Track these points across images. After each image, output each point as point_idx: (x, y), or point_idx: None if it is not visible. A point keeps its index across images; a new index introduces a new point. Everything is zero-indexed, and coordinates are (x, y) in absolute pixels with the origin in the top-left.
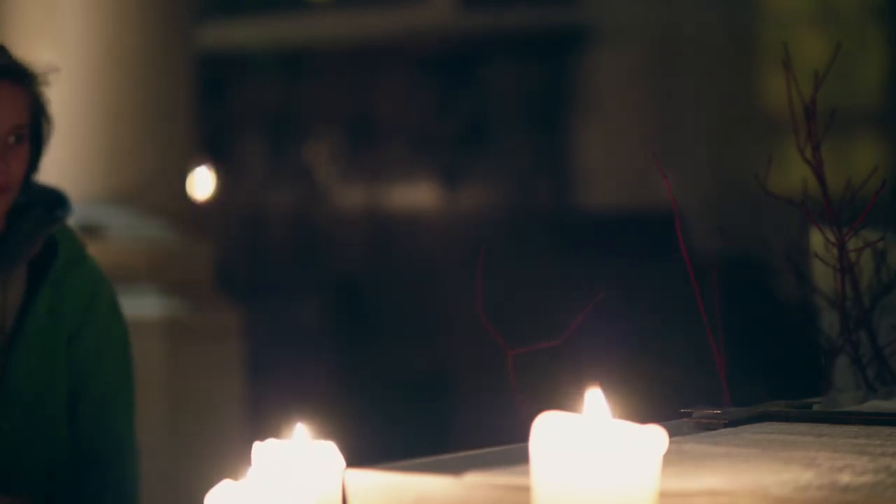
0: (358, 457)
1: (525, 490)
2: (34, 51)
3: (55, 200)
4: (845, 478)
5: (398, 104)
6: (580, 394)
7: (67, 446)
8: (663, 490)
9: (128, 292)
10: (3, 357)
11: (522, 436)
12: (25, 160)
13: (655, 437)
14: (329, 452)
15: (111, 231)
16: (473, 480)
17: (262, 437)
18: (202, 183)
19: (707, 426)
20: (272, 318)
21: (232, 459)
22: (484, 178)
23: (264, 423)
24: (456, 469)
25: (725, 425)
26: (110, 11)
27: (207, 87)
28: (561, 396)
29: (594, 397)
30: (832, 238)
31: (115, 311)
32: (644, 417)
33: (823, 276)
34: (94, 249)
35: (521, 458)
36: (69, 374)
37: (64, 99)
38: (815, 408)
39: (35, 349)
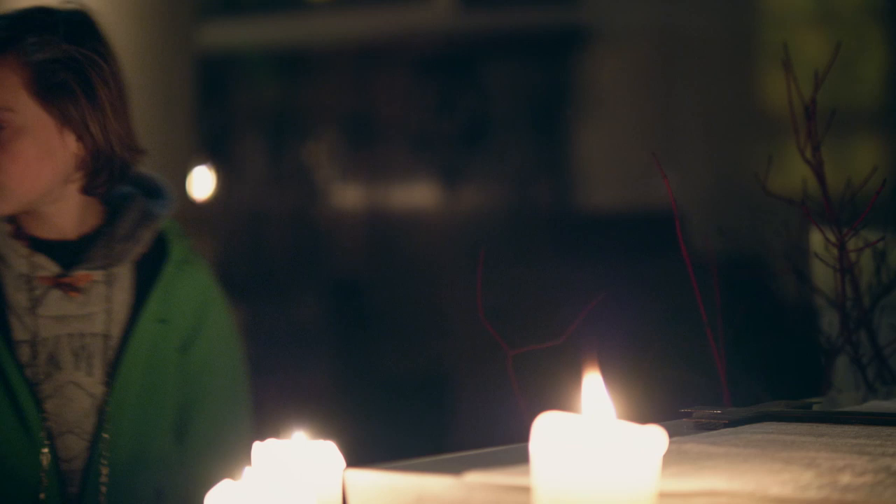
0: (358, 457)
1: (525, 490)
2: None
3: (156, 190)
4: (845, 478)
5: (398, 104)
6: (580, 394)
7: (177, 466)
8: (663, 490)
9: None
10: (109, 367)
11: (522, 436)
12: (22, 151)
13: (655, 437)
14: (329, 452)
15: None
16: (473, 480)
17: (261, 437)
18: (202, 183)
19: (707, 426)
20: (272, 318)
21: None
22: (484, 178)
23: (264, 423)
24: (456, 469)
25: (725, 425)
26: (110, 12)
27: (207, 87)
28: (561, 396)
29: (593, 382)
30: (832, 238)
31: (227, 320)
32: (644, 417)
33: (823, 276)
34: None
35: (521, 458)
36: (180, 389)
37: None
38: (815, 408)
39: (143, 359)
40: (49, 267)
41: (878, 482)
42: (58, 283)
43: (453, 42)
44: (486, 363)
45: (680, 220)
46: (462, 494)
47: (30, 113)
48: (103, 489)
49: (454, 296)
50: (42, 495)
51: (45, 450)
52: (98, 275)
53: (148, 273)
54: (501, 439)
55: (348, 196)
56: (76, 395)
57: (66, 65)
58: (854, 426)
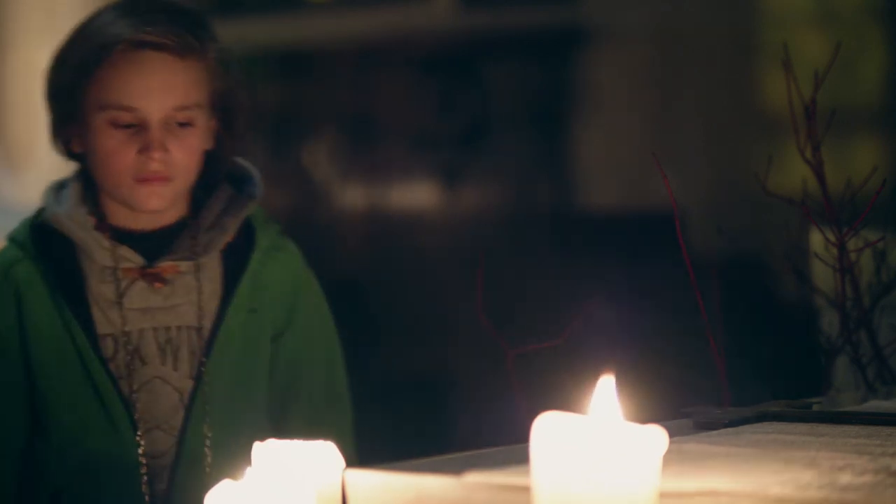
0: (358, 457)
1: (525, 490)
2: (34, 51)
3: (241, 177)
4: (845, 478)
5: (398, 104)
6: (581, 393)
7: None
8: (663, 490)
9: None
10: (199, 361)
11: (522, 436)
12: (194, 146)
13: (655, 437)
14: (329, 452)
15: None
16: (473, 480)
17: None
18: None
19: (707, 426)
20: None
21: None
22: (484, 178)
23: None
24: (456, 469)
25: (725, 425)
26: None
27: None
28: (561, 396)
29: (606, 386)
30: (832, 238)
31: (323, 306)
32: (644, 417)
33: (823, 276)
34: None
35: (521, 458)
36: (275, 379)
37: None
38: (815, 408)
39: (233, 351)
40: (133, 258)
41: (878, 482)
42: (143, 274)
43: (453, 42)
44: (486, 363)
45: (680, 220)
46: (462, 494)
47: (207, 110)
48: (193, 483)
49: (454, 296)
50: (139, 489)
51: (136, 446)
52: (185, 265)
53: (236, 262)
54: (501, 439)
55: (348, 196)
56: (163, 391)
57: (226, 64)
58: (854, 426)
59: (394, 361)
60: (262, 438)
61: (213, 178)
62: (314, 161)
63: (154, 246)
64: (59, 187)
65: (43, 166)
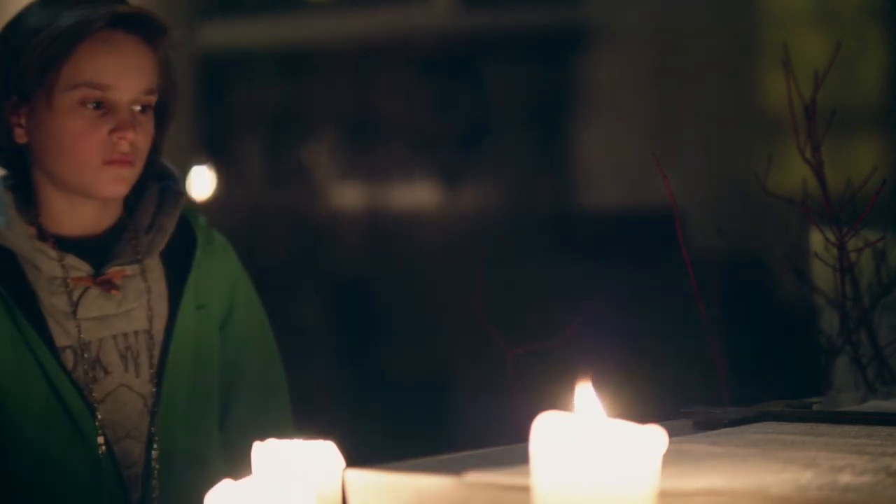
0: (358, 457)
1: (525, 490)
2: None
3: (160, 173)
4: (845, 478)
5: (398, 104)
6: (575, 400)
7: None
8: (663, 490)
9: None
10: (156, 364)
11: (522, 436)
12: (150, 133)
13: (655, 437)
14: (329, 452)
15: None
16: (473, 480)
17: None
18: (202, 183)
19: (707, 426)
20: (271, 318)
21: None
22: (484, 178)
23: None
24: (456, 469)
25: (725, 425)
26: None
27: (207, 87)
28: (561, 396)
29: (585, 393)
30: (832, 238)
31: (256, 298)
32: (644, 417)
33: (823, 276)
34: None
35: (521, 458)
36: (221, 373)
37: None
38: (815, 408)
39: (189, 350)
40: (81, 267)
41: (878, 482)
42: (97, 282)
43: (453, 42)
44: (486, 363)
45: (680, 220)
46: (462, 494)
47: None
48: (156, 488)
49: (454, 296)
50: (117, 500)
51: (104, 458)
52: (131, 269)
53: (175, 259)
54: (501, 439)
55: (348, 196)
56: (129, 398)
57: (171, 60)
58: (854, 426)
59: (394, 361)
60: (215, 441)
61: (146, 172)
62: (314, 161)
63: (97, 252)
64: None
65: None
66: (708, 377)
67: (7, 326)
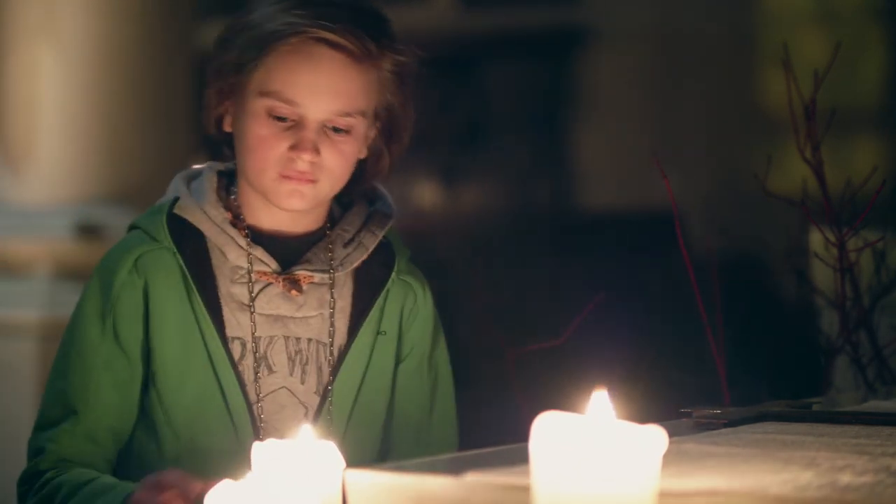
0: None
1: (525, 490)
2: (34, 51)
3: (371, 194)
4: (845, 478)
5: None
6: (580, 394)
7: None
8: (663, 490)
9: None
10: (326, 378)
11: (522, 436)
12: (347, 153)
13: (655, 437)
14: (329, 452)
15: (111, 231)
16: (473, 480)
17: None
18: None
19: (707, 426)
20: None
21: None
22: (484, 178)
23: None
24: (456, 469)
25: (725, 425)
26: (110, 12)
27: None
28: (561, 396)
29: (599, 399)
30: (832, 238)
31: (443, 342)
32: (644, 417)
33: (823, 276)
34: (93, 249)
35: (521, 458)
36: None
37: (64, 99)
38: (815, 407)
39: (361, 372)
40: (268, 262)
41: (878, 482)
42: (283, 279)
43: (453, 42)
44: (486, 363)
45: (680, 220)
46: (462, 494)
47: (369, 119)
48: None
49: (454, 296)
50: None
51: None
52: (319, 277)
53: (368, 281)
54: (501, 439)
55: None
56: (289, 402)
57: (401, 77)
58: (854, 426)
59: None
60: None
61: (357, 189)
62: None
63: (286, 252)
64: (190, 178)
65: (43, 166)
66: (708, 377)
67: (182, 307)
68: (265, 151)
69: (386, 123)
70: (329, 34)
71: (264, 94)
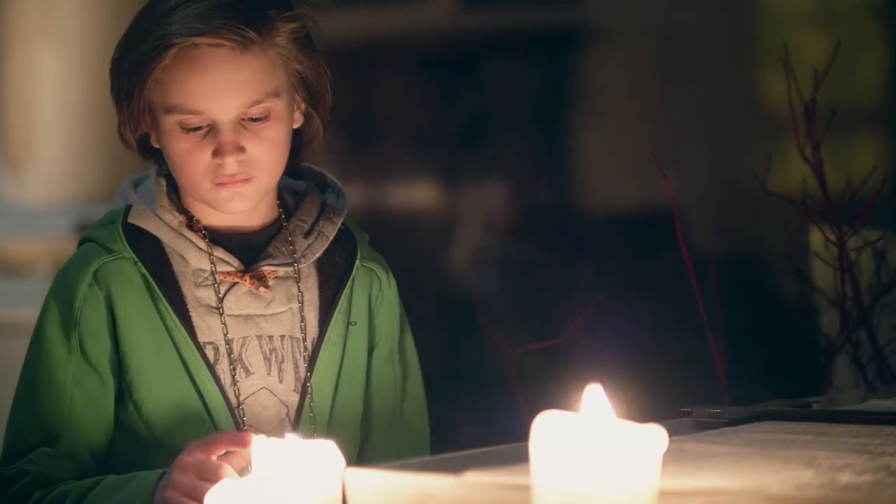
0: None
1: (525, 490)
2: (34, 51)
3: (321, 184)
4: (845, 477)
5: (398, 103)
6: (580, 393)
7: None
8: (663, 490)
9: None
10: (302, 374)
11: (522, 435)
12: (275, 138)
13: (655, 436)
14: (329, 452)
15: None
16: (473, 480)
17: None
18: None
19: (707, 426)
20: None
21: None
22: (484, 178)
23: None
24: (456, 469)
25: (725, 425)
26: (110, 11)
27: None
28: (561, 396)
29: (594, 394)
30: (832, 237)
31: (409, 334)
32: (644, 417)
33: (823, 275)
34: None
35: (521, 458)
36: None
37: (63, 99)
38: (815, 407)
39: (336, 365)
40: (230, 261)
41: (878, 481)
42: (249, 276)
43: (453, 42)
44: (486, 363)
45: (680, 220)
46: (462, 494)
47: (285, 95)
48: None
49: (454, 295)
50: None
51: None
52: (283, 271)
53: (330, 270)
54: (501, 439)
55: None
56: (270, 402)
57: (302, 39)
58: (854, 425)
59: None
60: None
61: (298, 161)
62: (314, 161)
63: (246, 249)
64: (136, 183)
65: (43, 166)
66: (708, 377)
67: (149, 315)
68: (191, 165)
69: (305, 89)
70: (203, 38)
71: (168, 110)
